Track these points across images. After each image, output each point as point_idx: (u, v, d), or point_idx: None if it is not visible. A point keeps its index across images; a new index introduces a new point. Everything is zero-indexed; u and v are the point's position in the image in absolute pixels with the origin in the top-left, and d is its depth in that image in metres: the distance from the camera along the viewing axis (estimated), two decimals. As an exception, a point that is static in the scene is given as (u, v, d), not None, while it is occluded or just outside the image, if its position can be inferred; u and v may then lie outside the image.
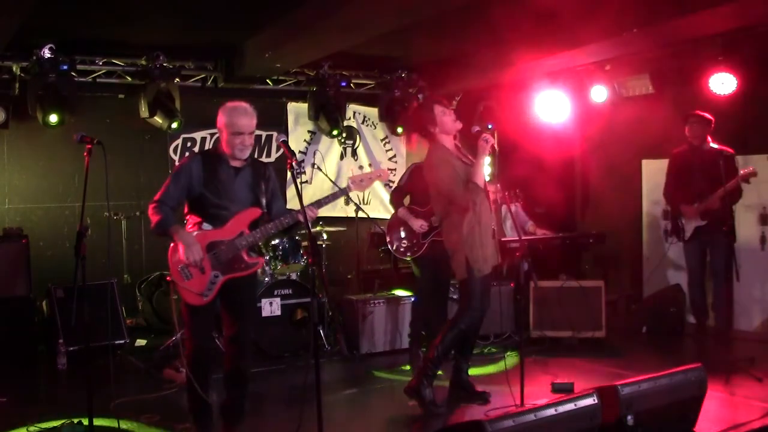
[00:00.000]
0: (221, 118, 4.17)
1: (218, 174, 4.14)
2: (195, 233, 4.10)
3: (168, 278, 4.14)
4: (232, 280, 4.12)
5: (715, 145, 6.40)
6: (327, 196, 4.24)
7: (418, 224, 5.92)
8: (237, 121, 4.11)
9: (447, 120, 4.82)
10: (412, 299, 6.46)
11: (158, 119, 7.19)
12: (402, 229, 6.06)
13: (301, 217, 4.00)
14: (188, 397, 4.25)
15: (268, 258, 6.57)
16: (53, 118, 6.63)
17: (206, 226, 4.13)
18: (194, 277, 4.04)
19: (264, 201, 4.28)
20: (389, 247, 6.17)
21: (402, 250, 6.06)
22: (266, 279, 6.51)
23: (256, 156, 8.01)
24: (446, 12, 5.69)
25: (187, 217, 4.25)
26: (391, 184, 8.56)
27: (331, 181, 7.42)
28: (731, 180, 6.13)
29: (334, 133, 8.12)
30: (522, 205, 7.28)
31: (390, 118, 8.40)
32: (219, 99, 7.75)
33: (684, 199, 6.55)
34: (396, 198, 6.19)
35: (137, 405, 5.06)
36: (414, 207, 6.03)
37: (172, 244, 4.09)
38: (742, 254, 6.54)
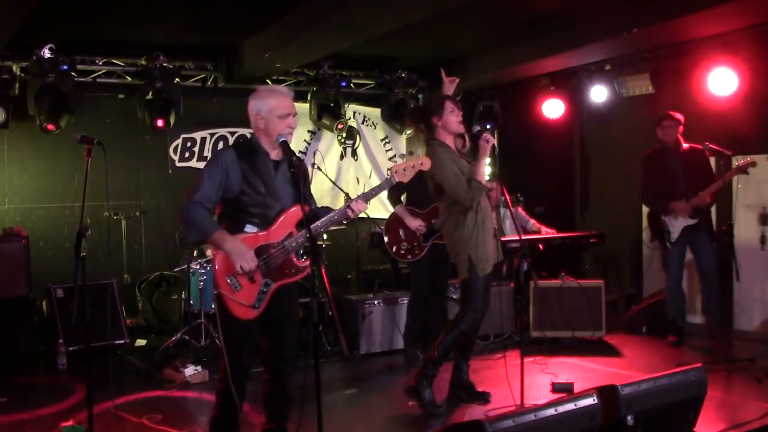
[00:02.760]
0: (263, 104, 3.78)
1: (258, 169, 3.76)
2: (241, 237, 3.70)
3: (215, 292, 3.74)
4: (280, 287, 3.78)
5: (685, 144, 6.36)
6: (374, 188, 3.96)
7: (416, 224, 5.90)
8: (283, 103, 3.77)
9: (452, 119, 4.81)
10: (408, 300, 6.39)
11: (147, 119, 7.14)
12: (401, 230, 6.05)
13: (349, 212, 3.79)
14: (217, 412, 3.83)
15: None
16: (50, 127, 6.62)
17: (250, 228, 3.73)
18: (243, 287, 3.69)
19: (306, 196, 3.89)
20: (387, 249, 6.14)
21: (402, 252, 6.04)
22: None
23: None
24: (447, 12, 5.68)
25: (223, 220, 3.81)
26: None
27: (331, 181, 7.43)
28: (722, 174, 6.04)
29: (339, 127, 8.02)
30: (521, 207, 7.28)
31: (393, 118, 8.38)
32: (219, 99, 7.91)
33: (671, 199, 6.37)
34: (394, 194, 6.11)
35: (137, 405, 5.05)
36: (413, 208, 6.02)
37: (217, 253, 3.69)
38: (742, 254, 6.49)
